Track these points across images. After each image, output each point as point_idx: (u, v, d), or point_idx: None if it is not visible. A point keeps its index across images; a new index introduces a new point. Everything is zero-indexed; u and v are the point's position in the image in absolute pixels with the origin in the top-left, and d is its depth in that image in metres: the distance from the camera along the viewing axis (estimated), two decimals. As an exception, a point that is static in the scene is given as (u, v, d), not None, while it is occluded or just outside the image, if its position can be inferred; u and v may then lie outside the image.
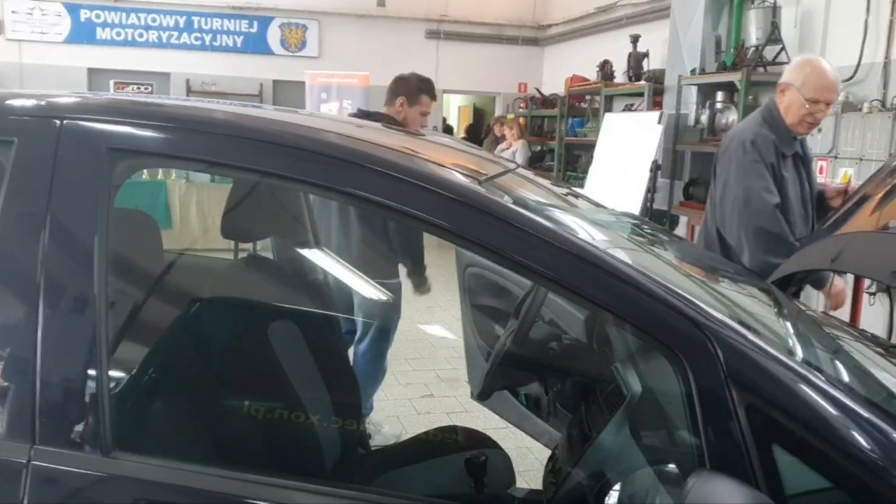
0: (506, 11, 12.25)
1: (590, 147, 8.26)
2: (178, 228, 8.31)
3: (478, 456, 1.71)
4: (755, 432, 1.04)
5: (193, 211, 8.42)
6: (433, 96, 3.93)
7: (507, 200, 1.28)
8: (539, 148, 11.30)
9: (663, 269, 1.45)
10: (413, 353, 5.04)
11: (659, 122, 6.76)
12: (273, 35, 11.93)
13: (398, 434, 3.84)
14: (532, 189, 1.69)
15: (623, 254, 1.27)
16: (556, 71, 11.47)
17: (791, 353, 1.19)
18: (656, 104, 7.82)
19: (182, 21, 11.64)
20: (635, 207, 6.72)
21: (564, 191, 2.02)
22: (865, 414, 1.08)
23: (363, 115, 3.95)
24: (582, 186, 7.99)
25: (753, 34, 6.51)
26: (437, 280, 3.88)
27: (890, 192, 1.92)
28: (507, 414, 2.52)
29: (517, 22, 12.30)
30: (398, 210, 1.21)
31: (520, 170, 1.89)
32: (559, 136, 10.32)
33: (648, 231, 1.96)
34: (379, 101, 11.46)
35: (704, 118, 6.98)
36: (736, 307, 1.39)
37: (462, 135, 14.31)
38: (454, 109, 16.64)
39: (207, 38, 11.77)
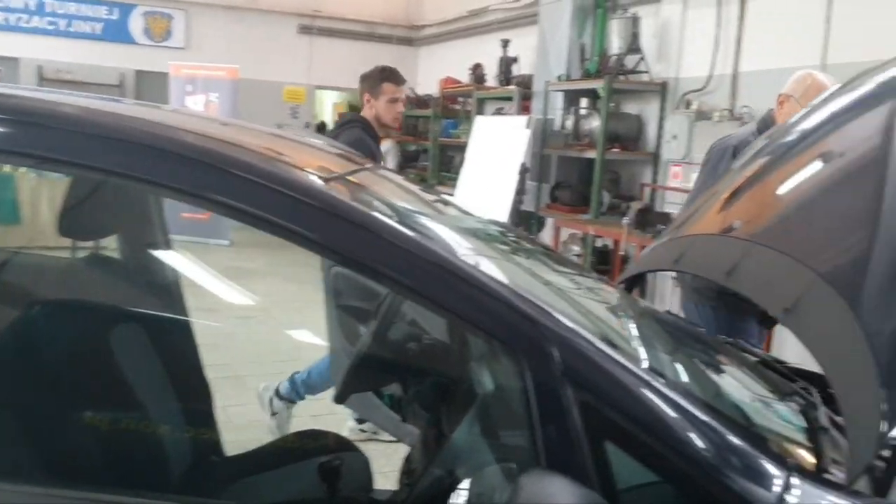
0: (379, 10, 12.24)
1: (463, 148, 8.38)
2: (27, 224, 7.77)
3: (332, 460, 1.68)
4: (589, 429, 1.07)
5: (45, 206, 7.91)
6: (397, 81, 3.82)
7: (349, 198, 1.26)
8: (413, 148, 11.36)
9: (510, 270, 1.47)
10: (280, 356, 4.93)
11: (527, 127, 6.93)
12: (135, 23, 11.38)
13: None
14: (386, 188, 1.67)
15: (466, 254, 1.27)
16: (431, 71, 11.55)
17: (628, 352, 1.23)
18: (525, 108, 8.01)
19: (33, 3, 10.90)
20: (505, 209, 6.86)
21: (432, 196, 2.01)
22: (696, 412, 1.13)
23: (342, 120, 3.97)
24: (454, 187, 8.09)
25: (615, 43, 6.79)
26: (307, 280, 3.79)
27: (736, 191, 1.99)
28: (371, 415, 2.50)
29: (391, 21, 12.32)
30: (232, 207, 1.16)
31: (380, 170, 1.87)
32: (433, 137, 10.40)
33: (506, 235, 1.98)
34: (248, 95, 11.17)
35: (570, 123, 7.21)
36: (579, 308, 1.43)
37: (336, 133, 14.16)
38: (329, 106, 16.48)
39: (62, 23, 11.08)
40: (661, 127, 6.82)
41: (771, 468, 1.09)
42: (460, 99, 10.24)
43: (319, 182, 1.25)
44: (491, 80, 9.18)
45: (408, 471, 1.71)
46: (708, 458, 1.08)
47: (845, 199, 1.68)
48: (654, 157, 6.91)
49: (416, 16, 12.33)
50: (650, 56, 6.81)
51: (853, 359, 1.25)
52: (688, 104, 6.52)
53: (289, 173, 1.27)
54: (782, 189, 1.85)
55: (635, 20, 6.71)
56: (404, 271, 1.15)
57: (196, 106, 9.52)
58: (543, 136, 7.60)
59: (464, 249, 1.36)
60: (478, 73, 9.40)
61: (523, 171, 6.80)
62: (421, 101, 11.01)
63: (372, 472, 2.04)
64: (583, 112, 7.14)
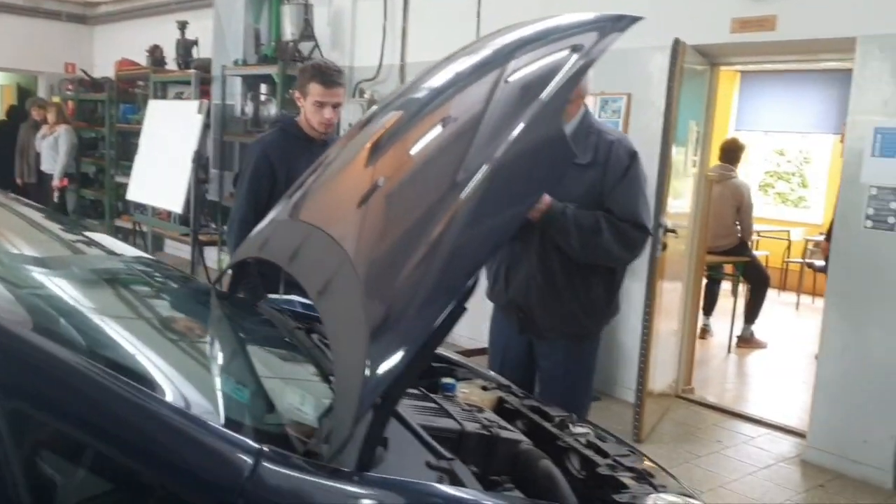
0: (45, -18, 11.01)
1: (144, 135, 7.81)
2: None
3: None
4: (19, 441, 0.96)
5: None
6: (325, 83, 3.07)
7: None
8: (92, 135, 10.41)
9: None
10: None
11: (199, 112, 6.62)
12: None
13: None
14: None
15: None
16: (108, 53, 10.64)
17: (93, 351, 1.14)
18: (205, 93, 7.67)
19: None
20: (179, 198, 6.52)
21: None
22: (165, 409, 1.07)
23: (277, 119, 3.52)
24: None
25: (289, 30, 6.72)
26: None
27: (377, 144, 1.80)
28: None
29: (59, -5, 11.14)
30: None
31: None
32: (109, 123, 9.61)
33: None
34: None
35: (249, 109, 7.02)
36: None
37: (1, 117, 12.56)
38: (-4, 89, 14.57)
39: None
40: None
41: (237, 457, 1.05)
42: (140, 83, 9.54)
43: None
44: (171, 63, 8.67)
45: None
46: (164, 457, 1.02)
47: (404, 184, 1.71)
48: (335, 145, 6.96)
49: (90, -9, 11.28)
50: (325, 44, 6.83)
51: (351, 341, 1.26)
52: (361, 93, 6.65)
53: None
54: (346, 170, 1.87)
55: (307, 7, 6.68)
56: None
57: None
58: (223, 123, 7.34)
59: None
60: (156, 55, 8.83)
61: (197, 158, 6.49)
62: (96, 85, 10.12)
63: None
64: (262, 98, 6.98)
